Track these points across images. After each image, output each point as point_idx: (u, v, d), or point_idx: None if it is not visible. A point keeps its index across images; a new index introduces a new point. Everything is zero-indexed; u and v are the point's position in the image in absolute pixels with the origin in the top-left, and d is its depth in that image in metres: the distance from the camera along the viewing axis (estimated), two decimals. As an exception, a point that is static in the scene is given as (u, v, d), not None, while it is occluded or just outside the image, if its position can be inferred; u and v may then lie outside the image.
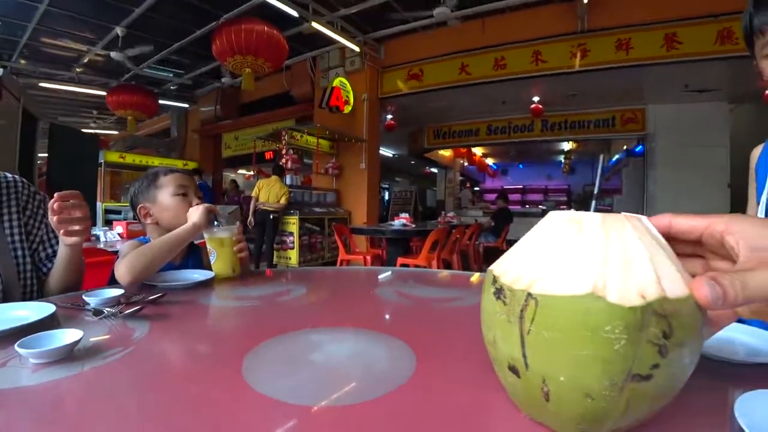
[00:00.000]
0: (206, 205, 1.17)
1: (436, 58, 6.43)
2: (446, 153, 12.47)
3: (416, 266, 4.28)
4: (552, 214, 0.39)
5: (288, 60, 6.64)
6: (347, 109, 6.73)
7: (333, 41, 6.34)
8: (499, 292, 0.36)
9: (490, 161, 15.68)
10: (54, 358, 0.55)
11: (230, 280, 1.15)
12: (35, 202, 1.10)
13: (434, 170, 14.64)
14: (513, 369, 0.36)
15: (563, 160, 13.71)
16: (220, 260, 1.15)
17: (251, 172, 12.17)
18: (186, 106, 10.20)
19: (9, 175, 1.06)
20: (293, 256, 5.77)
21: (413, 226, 4.71)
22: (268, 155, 9.21)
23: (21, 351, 0.54)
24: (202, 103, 9.83)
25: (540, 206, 12.46)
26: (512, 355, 0.35)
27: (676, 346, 0.31)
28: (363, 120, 6.88)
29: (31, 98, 8.32)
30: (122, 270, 1.00)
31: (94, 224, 5.69)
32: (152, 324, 0.75)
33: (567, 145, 11.59)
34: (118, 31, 6.16)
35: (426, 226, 5.20)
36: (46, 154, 7.20)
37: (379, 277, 1.27)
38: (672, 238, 0.37)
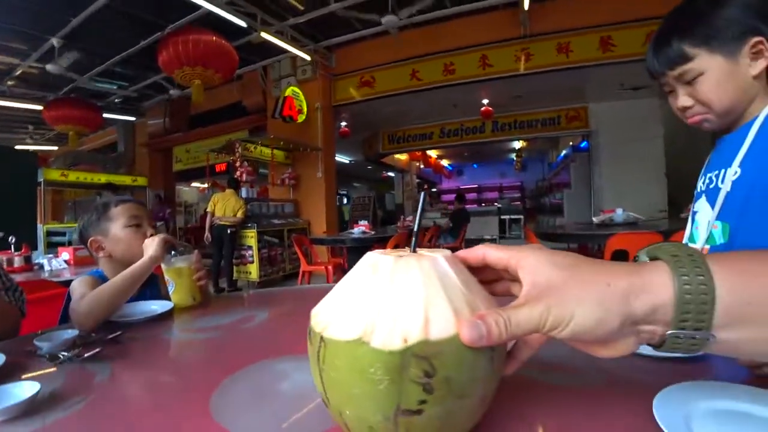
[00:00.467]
0: (162, 236, 1.14)
1: (387, 64, 6.55)
2: (402, 157, 12.65)
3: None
4: (367, 255, 0.41)
5: (239, 70, 6.52)
6: (301, 118, 6.69)
7: (283, 50, 6.29)
8: (309, 333, 0.40)
9: (445, 163, 16.06)
10: (10, 416, 0.53)
11: (191, 309, 1.13)
12: None
13: (391, 174, 14.80)
14: (324, 402, 0.40)
15: (515, 158, 14.23)
16: (179, 290, 1.13)
17: (205, 185, 11.84)
18: (133, 119, 9.77)
19: None
20: (253, 270, 5.66)
21: (373, 233, 4.74)
22: (222, 167, 8.97)
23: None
24: (149, 115, 9.44)
25: (496, 204, 12.88)
26: (320, 390, 0.39)
27: (443, 382, 0.34)
28: (317, 128, 6.87)
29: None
30: (82, 317, 0.95)
31: (35, 249, 5.32)
32: (113, 365, 0.74)
33: (518, 144, 12.05)
34: (54, 42, 5.84)
35: (386, 232, 5.25)
36: None
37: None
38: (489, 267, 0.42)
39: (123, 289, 1.02)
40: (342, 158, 12.08)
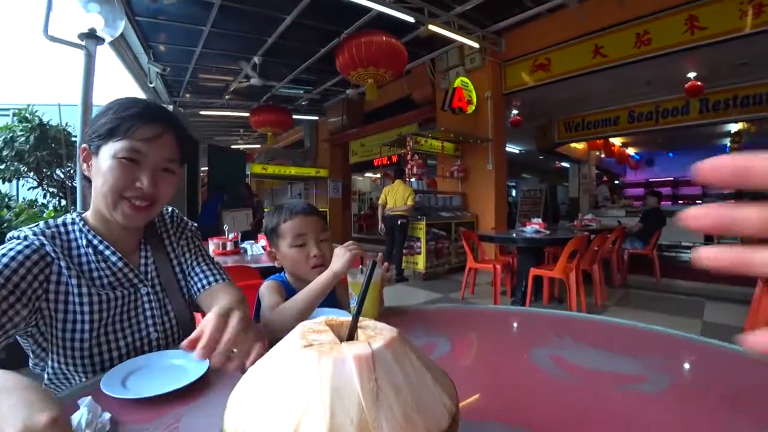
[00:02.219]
0: (353, 252, 1.11)
1: (565, 43, 5.79)
2: (579, 146, 11.34)
3: (553, 279, 3.91)
4: (297, 328, 0.39)
5: (407, 65, 6.67)
6: (470, 109, 6.48)
7: (451, 41, 6.17)
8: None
9: (631, 151, 13.80)
10: None
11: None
12: (188, 232, 1.08)
13: (566, 165, 13.43)
14: None
15: (729, 145, 11.39)
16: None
17: (377, 175, 12.73)
18: (316, 118, 11.03)
19: (169, 209, 1.08)
20: (420, 261, 5.75)
21: (547, 233, 4.28)
22: (394, 158, 9.47)
23: None
24: (330, 114, 10.51)
25: (698, 201, 10.50)
26: None
27: None
28: (487, 118, 6.56)
29: (193, 125, 9.89)
30: (278, 332, 0.92)
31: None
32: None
33: (735, 126, 9.59)
34: (256, 59, 6.91)
35: (559, 232, 4.72)
36: (206, 168, 8.59)
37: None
38: None
39: (310, 304, 1.02)
40: (512, 148, 11.46)
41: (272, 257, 1.28)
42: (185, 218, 1.11)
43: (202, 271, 1.00)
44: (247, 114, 8.91)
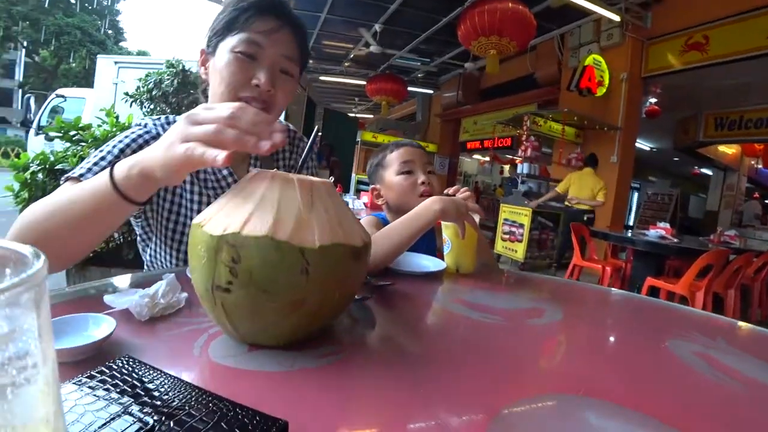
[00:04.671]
0: (465, 194, 0.99)
1: (730, 18, 4.75)
2: (729, 149, 9.58)
3: (673, 294, 3.33)
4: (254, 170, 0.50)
5: (533, 41, 6.13)
6: (600, 91, 5.79)
7: (587, 13, 5.50)
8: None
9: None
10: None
11: (466, 277, 0.97)
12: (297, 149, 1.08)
13: (707, 171, 11.51)
14: None
15: None
16: (453, 253, 0.99)
17: (486, 158, 12.28)
18: (431, 92, 10.89)
19: (287, 124, 1.08)
20: (520, 249, 5.39)
21: (675, 240, 3.67)
22: (506, 142, 8.97)
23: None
24: (445, 89, 10.27)
25: None
26: None
27: (246, 271, 0.41)
28: (619, 104, 5.81)
29: (313, 89, 10.42)
30: (379, 259, 0.86)
31: (347, 191, 6.73)
32: (377, 317, 0.65)
33: None
34: (377, 27, 6.90)
35: (690, 242, 4.04)
36: (321, 133, 9.07)
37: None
38: None
39: (406, 237, 0.89)
40: (642, 144, 10.07)
41: (376, 194, 1.24)
42: (303, 137, 1.08)
43: None
44: (364, 82, 9.07)
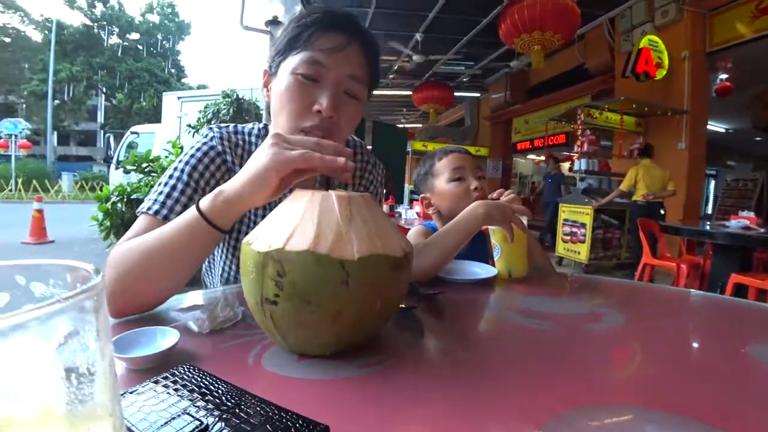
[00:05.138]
0: (510, 197, 0.99)
1: None
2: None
3: (764, 291, 2.99)
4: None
5: (580, 29, 5.85)
6: (660, 74, 5.39)
7: (637, -9, 5.19)
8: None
9: None
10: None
11: (518, 282, 0.95)
12: (374, 170, 1.04)
13: (797, 150, 10.33)
14: None
15: None
16: (503, 258, 0.97)
17: (541, 158, 11.88)
18: (477, 95, 10.77)
19: (356, 139, 1.03)
20: (583, 251, 5.12)
21: (762, 230, 3.29)
22: (559, 139, 8.63)
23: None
24: (492, 90, 10.10)
25: None
26: None
27: (290, 284, 0.45)
28: (683, 85, 5.38)
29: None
30: (429, 267, 0.86)
31: (401, 202, 6.76)
32: (425, 327, 0.64)
33: None
34: (417, 36, 6.95)
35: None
36: (371, 146, 9.21)
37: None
38: None
39: (453, 244, 0.87)
40: (715, 126, 9.20)
41: (426, 203, 1.23)
42: (374, 156, 1.04)
43: None
44: (410, 92, 9.13)
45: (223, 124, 0.87)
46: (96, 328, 0.18)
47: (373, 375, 0.46)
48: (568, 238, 5.29)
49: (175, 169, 0.78)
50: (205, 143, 0.82)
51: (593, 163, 5.70)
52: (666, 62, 5.41)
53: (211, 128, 0.86)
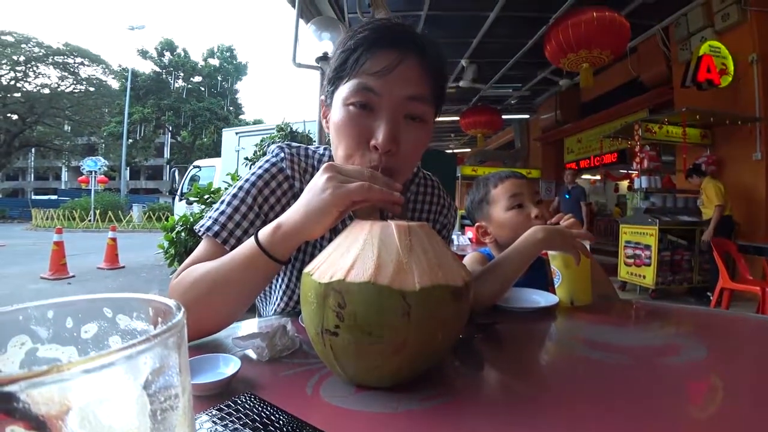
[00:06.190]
0: (569, 222, 0.94)
1: None
2: None
3: None
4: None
5: (631, 42, 5.63)
6: (725, 81, 5.02)
7: (693, -3, 4.93)
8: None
9: None
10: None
11: (583, 311, 0.89)
12: (444, 210, 1.02)
13: None
14: None
15: None
16: (565, 285, 0.92)
17: (596, 177, 11.39)
18: (527, 116, 10.57)
19: (427, 173, 1.02)
20: (648, 274, 4.75)
21: None
22: (612, 158, 8.26)
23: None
24: (541, 111, 9.88)
25: None
26: None
27: (351, 315, 0.44)
28: (753, 90, 4.96)
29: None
30: (486, 296, 0.83)
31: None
32: (484, 358, 0.61)
33: None
34: (463, 62, 7.03)
35: None
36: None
37: None
38: None
39: (512, 272, 0.85)
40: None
41: (482, 231, 1.19)
42: (445, 193, 1.00)
43: None
44: (458, 118, 9.14)
45: (294, 144, 0.84)
46: (179, 364, 0.18)
47: (435, 408, 0.44)
48: (632, 261, 4.95)
49: (241, 188, 0.76)
50: (274, 164, 0.80)
51: (656, 180, 5.35)
52: (731, 68, 5.06)
53: (281, 147, 0.82)
